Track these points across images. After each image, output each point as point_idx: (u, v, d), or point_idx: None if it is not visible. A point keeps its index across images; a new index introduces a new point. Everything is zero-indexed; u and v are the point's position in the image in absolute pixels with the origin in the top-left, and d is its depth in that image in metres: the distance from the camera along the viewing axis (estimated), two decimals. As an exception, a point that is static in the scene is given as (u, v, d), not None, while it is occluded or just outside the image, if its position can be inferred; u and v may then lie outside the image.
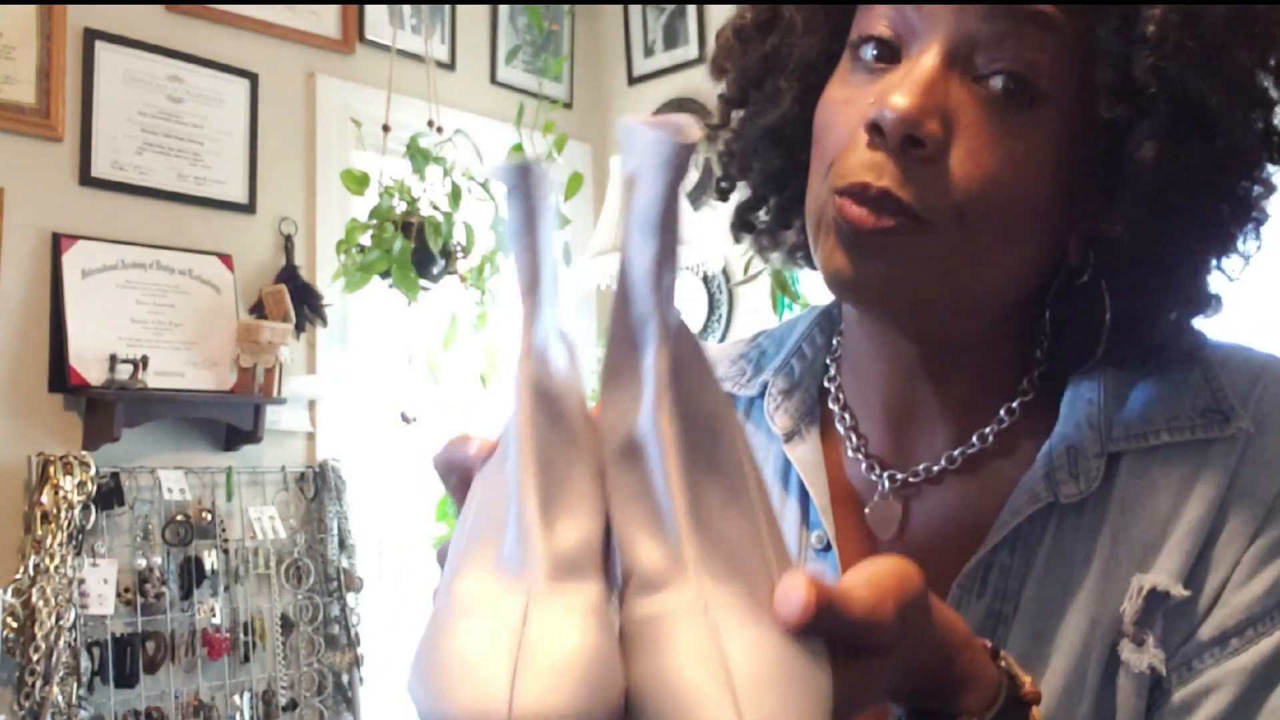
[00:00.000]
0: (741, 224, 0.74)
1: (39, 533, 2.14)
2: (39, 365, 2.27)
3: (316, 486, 2.63)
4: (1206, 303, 0.62)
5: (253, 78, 2.64)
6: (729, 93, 0.69)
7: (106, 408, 2.26)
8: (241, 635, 2.45)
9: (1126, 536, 0.59)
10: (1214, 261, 0.61)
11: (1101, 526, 0.60)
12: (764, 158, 0.69)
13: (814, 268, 0.67)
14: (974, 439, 0.65)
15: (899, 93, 0.55)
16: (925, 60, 0.56)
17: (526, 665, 0.39)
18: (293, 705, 2.52)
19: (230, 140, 2.59)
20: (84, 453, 2.23)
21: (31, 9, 2.30)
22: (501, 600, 0.41)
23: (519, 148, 2.83)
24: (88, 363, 2.28)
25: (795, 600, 0.40)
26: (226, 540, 2.46)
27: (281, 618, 2.53)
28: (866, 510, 0.67)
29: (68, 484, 2.17)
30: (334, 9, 2.82)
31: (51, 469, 2.18)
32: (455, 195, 2.63)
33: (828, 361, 0.73)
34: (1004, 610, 0.61)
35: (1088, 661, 0.59)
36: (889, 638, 0.44)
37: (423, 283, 2.57)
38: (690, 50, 3.24)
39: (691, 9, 3.22)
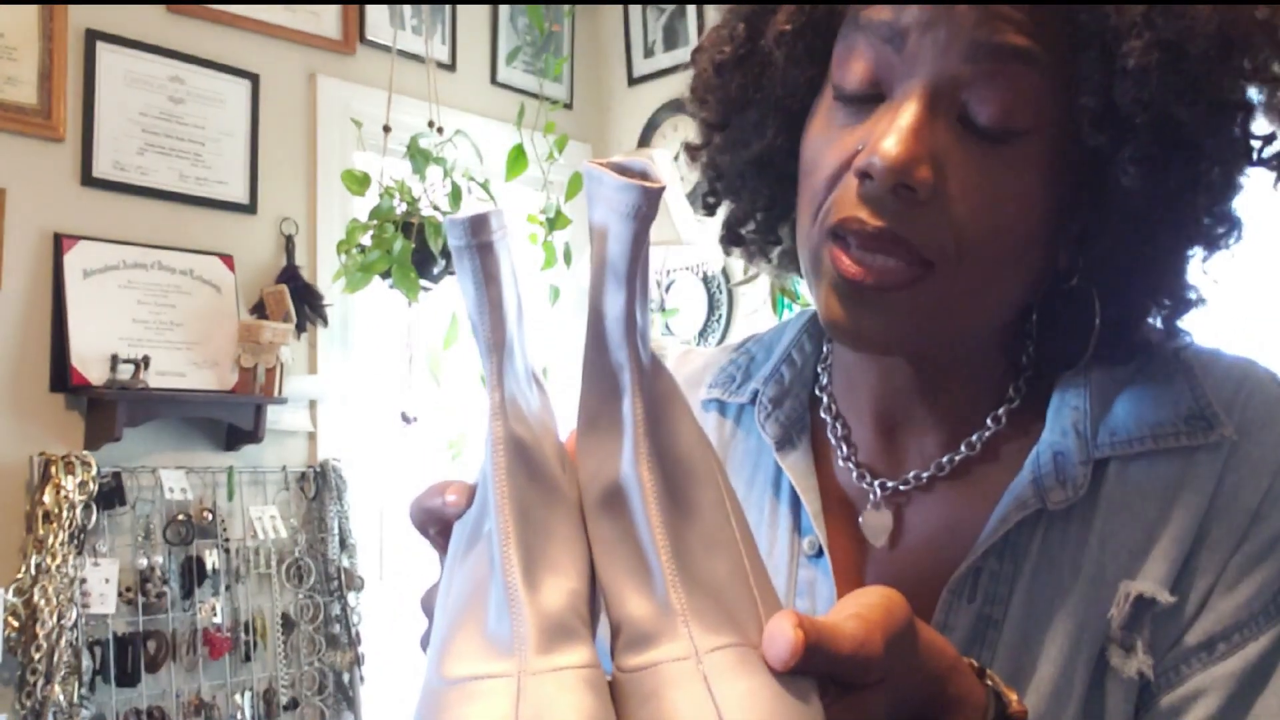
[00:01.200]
0: (731, 238, 0.74)
1: (41, 532, 2.14)
2: (41, 365, 2.28)
3: (317, 486, 2.64)
4: (1191, 301, 0.63)
5: (254, 78, 2.65)
6: (710, 118, 0.69)
7: (108, 407, 2.26)
8: (242, 634, 2.45)
9: (1114, 543, 0.60)
10: (1200, 256, 0.62)
11: (1089, 533, 0.61)
12: (752, 184, 0.69)
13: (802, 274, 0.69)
14: (963, 447, 0.65)
15: (887, 140, 0.55)
16: (910, 105, 0.56)
17: None
18: (294, 704, 2.52)
19: (231, 141, 2.60)
20: (85, 452, 2.24)
21: (33, 10, 2.30)
22: (491, 684, 0.41)
23: (520, 149, 2.84)
24: (89, 362, 2.28)
25: (783, 642, 0.41)
26: (228, 540, 2.47)
27: (282, 617, 2.54)
28: (860, 519, 0.68)
29: (69, 483, 2.18)
30: (335, 10, 2.82)
31: (53, 468, 2.18)
32: (456, 195, 2.64)
33: (819, 370, 0.73)
34: (993, 615, 0.61)
35: (1075, 666, 0.59)
36: (878, 670, 0.44)
37: (423, 283, 2.57)
38: (690, 50, 3.24)
39: (691, 9, 3.23)
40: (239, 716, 2.43)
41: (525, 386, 0.48)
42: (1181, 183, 0.57)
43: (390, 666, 2.79)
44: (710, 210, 0.75)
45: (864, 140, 0.57)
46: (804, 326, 0.76)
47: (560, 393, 3.29)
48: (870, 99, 0.58)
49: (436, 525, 0.51)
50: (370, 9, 2.89)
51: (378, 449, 2.88)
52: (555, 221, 2.92)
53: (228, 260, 2.56)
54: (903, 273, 0.56)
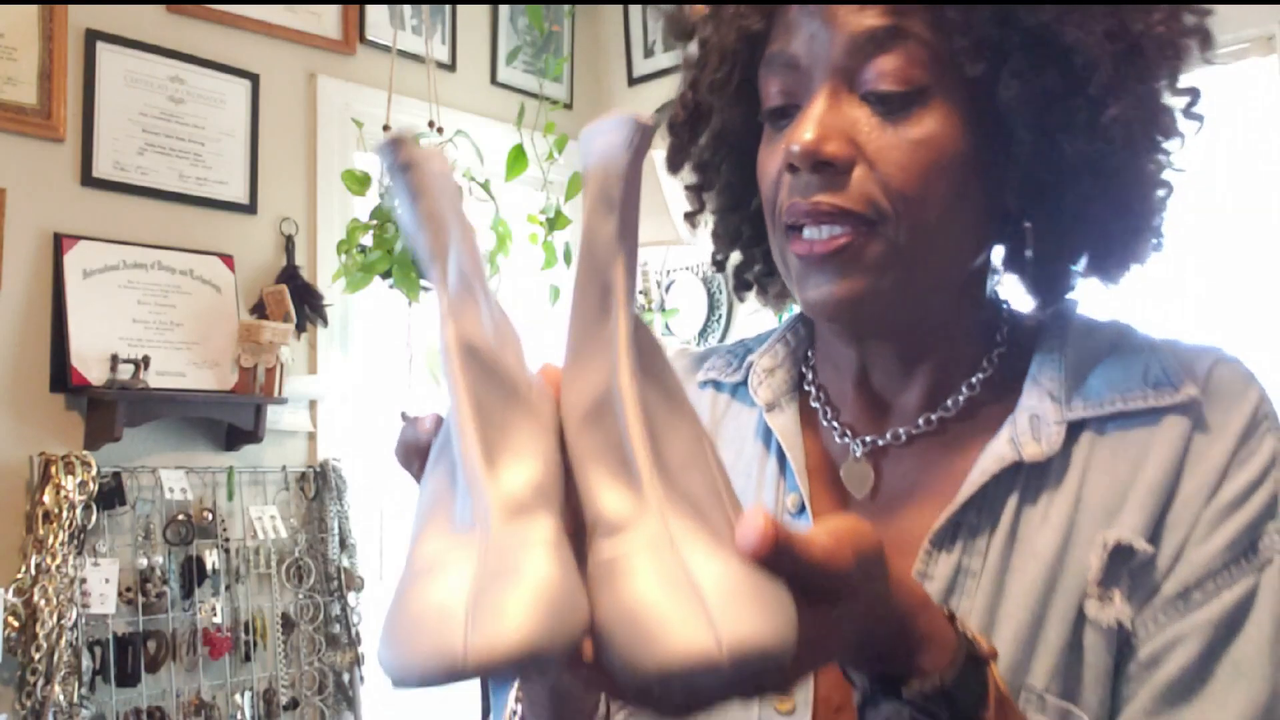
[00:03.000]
0: (740, 284, 0.84)
1: (41, 532, 2.14)
2: (41, 365, 2.28)
3: (317, 486, 2.64)
4: (1119, 238, 0.69)
5: (254, 78, 2.65)
6: (690, 180, 0.80)
7: (108, 407, 2.26)
8: (242, 634, 2.45)
9: (1089, 502, 0.64)
10: (1134, 189, 0.69)
11: (1065, 492, 0.65)
12: (734, 227, 0.79)
13: (777, 307, 0.82)
14: (942, 407, 0.71)
15: (798, 130, 0.64)
16: (815, 101, 0.65)
17: (481, 607, 0.37)
18: (294, 704, 2.52)
19: (231, 141, 2.60)
20: (85, 452, 2.24)
21: (33, 10, 2.30)
22: (455, 554, 0.41)
23: (520, 149, 2.84)
24: (89, 362, 2.28)
25: (753, 530, 0.42)
26: (228, 540, 2.47)
27: (282, 617, 2.54)
28: (841, 471, 0.72)
29: (69, 483, 2.18)
30: (335, 10, 2.82)
31: (53, 468, 2.18)
32: (456, 195, 2.64)
33: (808, 353, 0.80)
34: (971, 566, 0.65)
35: (1051, 618, 0.62)
36: (846, 582, 0.45)
37: (423, 283, 2.57)
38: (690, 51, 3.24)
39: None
40: (239, 716, 2.43)
41: (478, 297, 0.49)
42: (1061, 86, 0.63)
43: (390, 666, 2.80)
44: (720, 267, 0.85)
45: (784, 143, 0.66)
46: (797, 316, 0.82)
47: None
48: (788, 116, 0.68)
49: (416, 457, 0.52)
50: (370, 9, 2.89)
51: (378, 449, 2.87)
52: (555, 221, 2.92)
53: (228, 260, 2.56)
54: (849, 237, 0.64)
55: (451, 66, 3.09)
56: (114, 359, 2.28)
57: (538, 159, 2.92)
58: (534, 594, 0.38)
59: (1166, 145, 0.70)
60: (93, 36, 2.39)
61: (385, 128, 2.65)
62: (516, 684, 0.70)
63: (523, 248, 2.94)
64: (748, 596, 0.40)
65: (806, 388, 0.77)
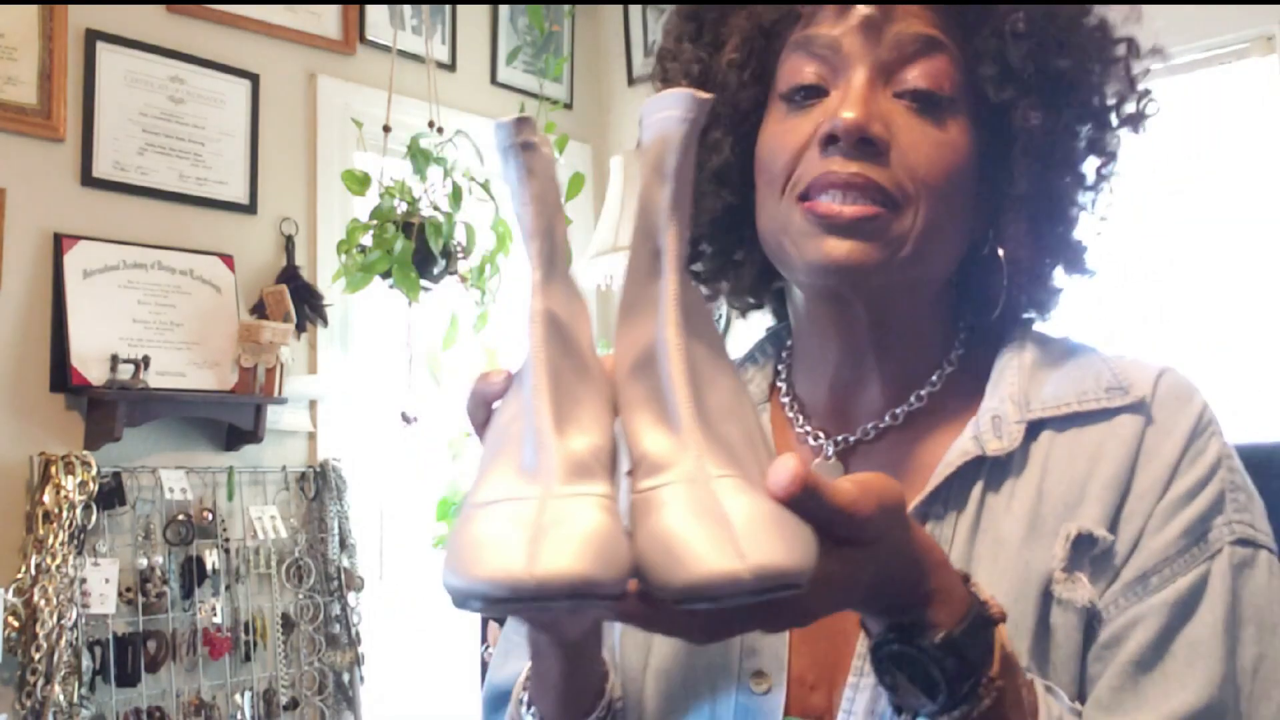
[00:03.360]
0: (690, 258, 0.84)
1: (41, 532, 2.14)
2: (41, 365, 2.28)
3: (317, 486, 2.64)
4: (1081, 259, 0.77)
5: (254, 78, 2.65)
6: None
7: (108, 407, 2.26)
8: (242, 634, 2.45)
9: (1050, 497, 0.69)
10: (1089, 200, 0.77)
11: (1026, 488, 0.70)
12: (710, 200, 0.79)
13: (744, 313, 0.86)
14: (908, 401, 0.76)
15: (845, 107, 0.68)
16: (857, 81, 0.70)
17: (543, 537, 0.42)
18: (294, 704, 2.52)
19: (231, 141, 2.60)
20: (85, 452, 2.24)
21: (33, 10, 2.30)
22: (521, 492, 0.46)
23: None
24: (89, 363, 2.28)
25: (786, 471, 0.46)
26: (228, 540, 2.47)
27: (282, 617, 2.54)
28: (812, 465, 0.76)
29: (69, 483, 2.18)
30: (335, 10, 2.82)
31: (53, 468, 2.18)
32: (456, 196, 2.64)
33: (778, 368, 0.85)
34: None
35: (1016, 600, 0.67)
36: (869, 529, 0.49)
37: (423, 283, 2.57)
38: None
39: (691, 9, 3.23)
40: (239, 716, 2.43)
41: (564, 277, 0.54)
42: (1071, 117, 0.72)
43: (390, 666, 2.79)
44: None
45: (820, 120, 0.70)
46: (763, 341, 0.87)
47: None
48: (815, 96, 0.72)
49: (484, 407, 0.57)
50: (370, 9, 2.89)
51: (378, 449, 2.88)
52: (555, 221, 2.92)
53: (228, 260, 2.56)
54: (874, 211, 0.68)
55: (451, 66, 3.08)
56: (114, 359, 2.28)
57: (538, 159, 2.92)
58: (588, 536, 0.43)
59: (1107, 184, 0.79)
60: (93, 36, 2.39)
61: (385, 128, 2.65)
62: (523, 675, 0.75)
63: (523, 248, 2.93)
64: (773, 527, 0.44)
65: (782, 399, 0.82)
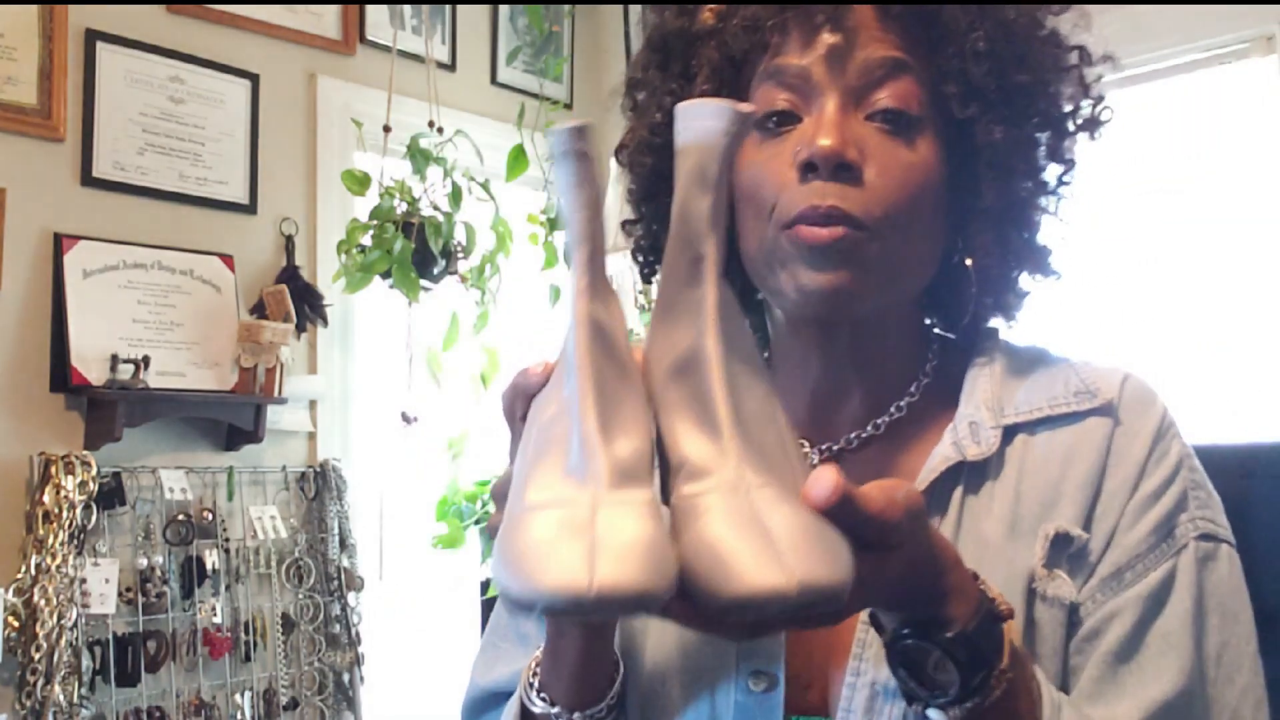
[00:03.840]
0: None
1: (41, 532, 2.14)
2: (41, 365, 2.28)
3: (317, 486, 2.64)
4: (1046, 263, 0.81)
5: (254, 78, 2.65)
6: (638, 189, 0.86)
7: (108, 407, 2.26)
8: (243, 634, 2.45)
9: (1026, 499, 0.73)
10: (1051, 206, 0.80)
11: (1005, 491, 0.73)
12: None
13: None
14: (889, 413, 0.79)
15: (821, 135, 0.71)
16: (829, 108, 0.73)
17: (600, 549, 0.44)
18: (294, 704, 2.52)
19: (231, 141, 2.60)
20: (85, 452, 2.24)
21: (33, 10, 2.30)
22: (572, 497, 0.48)
23: (520, 149, 2.84)
24: (89, 362, 2.28)
25: (826, 482, 0.49)
26: (228, 540, 2.47)
27: (282, 617, 2.54)
28: None
29: (69, 483, 2.18)
30: (335, 10, 2.82)
31: (53, 468, 2.18)
32: (456, 196, 2.64)
33: None
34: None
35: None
36: (897, 535, 0.53)
37: (423, 283, 2.57)
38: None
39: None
40: (239, 716, 2.43)
41: (605, 284, 0.56)
42: (1031, 128, 0.76)
43: (390, 666, 2.79)
44: (647, 279, 0.89)
45: (797, 148, 0.73)
46: None
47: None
48: (789, 122, 0.75)
49: (523, 400, 0.60)
50: (370, 9, 2.89)
51: (378, 449, 2.88)
52: (555, 222, 2.92)
53: (228, 260, 2.56)
54: (850, 237, 0.71)
55: (452, 66, 3.08)
56: (114, 359, 2.28)
57: (538, 159, 2.92)
58: (644, 548, 0.45)
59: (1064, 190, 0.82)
60: (93, 36, 2.39)
61: (385, 128, 2.65)
62: (531, 661, 0.76)
63: (523, 248, 2.94)
64: (815, 541, 0.47)
65: None
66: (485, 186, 2.71)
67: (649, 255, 0.88)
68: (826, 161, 0.70)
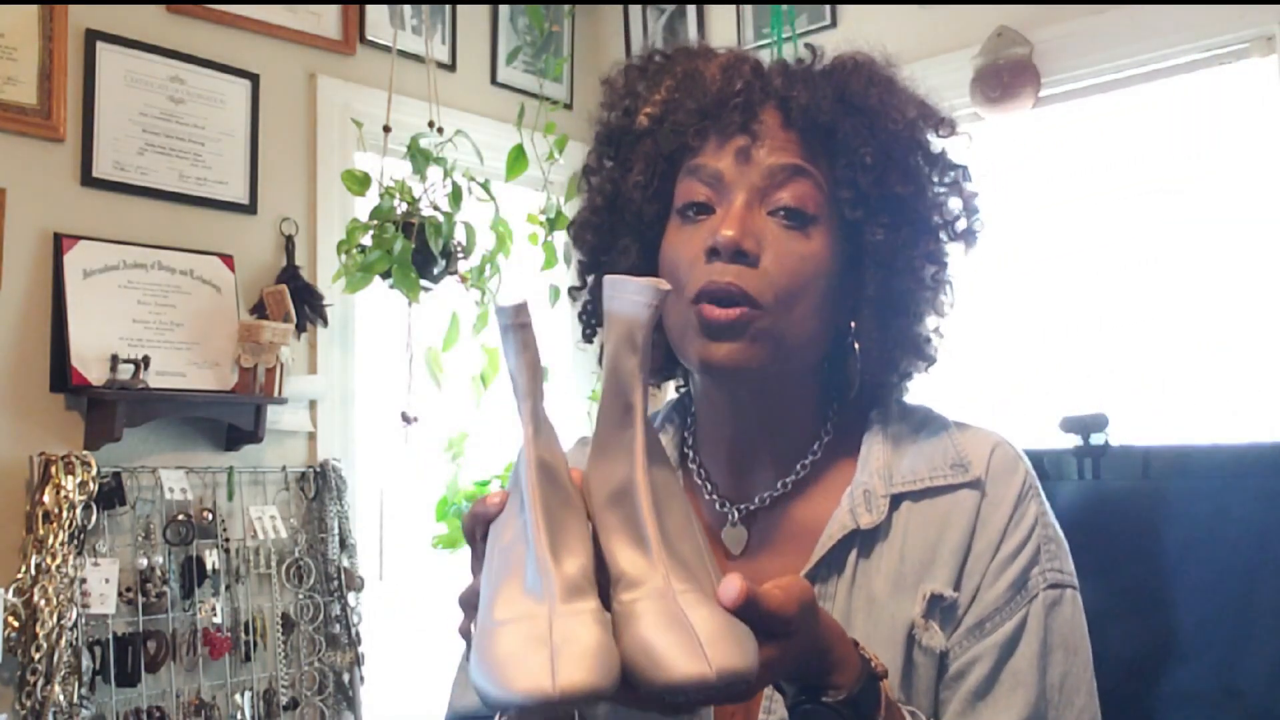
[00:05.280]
0: None
1: (41, 532, 2.14)
2: (40, 365, 2.28)
3: (317, 486, 2.64)
4: (926, 353, 0.93)
5: (254, 78, 2.65)
6: (586, 260, 0.99)
7: (108, 407, 2.26)
8: (243, 634, 2.45)
9: (909, 558, 0.86)
10: (929, 319, 0.92)
11: (891, 551, 0.86)
12: None
13: (658, 384, 1.02)
14: (794, 472, 0.92)
15: (725, 226, 0.84)
16: (737, 204, 0.86)
17: (559, 656, 0.55)
18: (294, 704, 2.52)
19: (231, 141, 2.60)
20: (85, 452, 2.24)
21: (33, 10, 2.30)
22: (532, 612, 0.58)
23: (520, 149, 2.84)
24: (89, 362, 2.28)
25: (733, 588, 0.61)
26: (228, 540, 2.47)
27: (282, 617, 2.54)
28: (721, 535, 0.93)
29: (69, 483, 2.18)
30: (335, 10, 2.82)
31: (53, 468, 2.18)
32: (456, 196, 2.64)
33: (685, 435, 1.00)
34: (824, 606, 0.82)
35: (887, 648, 0.83)
36: (792, 625, 0.65)
37: (424, 283, 2.57)
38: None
39: (691, 9, 3.23)
40: (239, 716, 2.43)
41: (547, 428, 0.68)
42: (909, 233, 0.88)
43: (390, 666, 2.79)
44: (588, 339, 1.02)
45: (707, 236, 0.85)
46: (669, 411, 1.03)
47: (557, 388, 3.22)
48: (705, 212, 0.88)
49: (481, 525, 0.70)
50: (370, 9, 2.89)
51: (378, 449, 2.88)
52: (555, 222, 2.92)
53: (228, 260, 2.56)
54: (745, 315, 0.83)
55: (452, 66, 3.09)
56: (114, 359, 2.28)
57: (538, 159, 2.92)
58: (594, 652, 0.56)
59: (950, 305, 0.94)
60: (93, 36, 2.39)
61: (385, 128, 2.65)
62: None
63: (523, 248, 2.94)
64: (728, 635, 0.58)
65: (690, 465, 0.97)
66: (485, 186, 2.71)
67: (591, 319, 1.01)
68: (726, 248, 0.83)
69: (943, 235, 0.91)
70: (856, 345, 0.90)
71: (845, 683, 0.71)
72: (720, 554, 0.93)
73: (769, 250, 0.84)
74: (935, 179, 0.91)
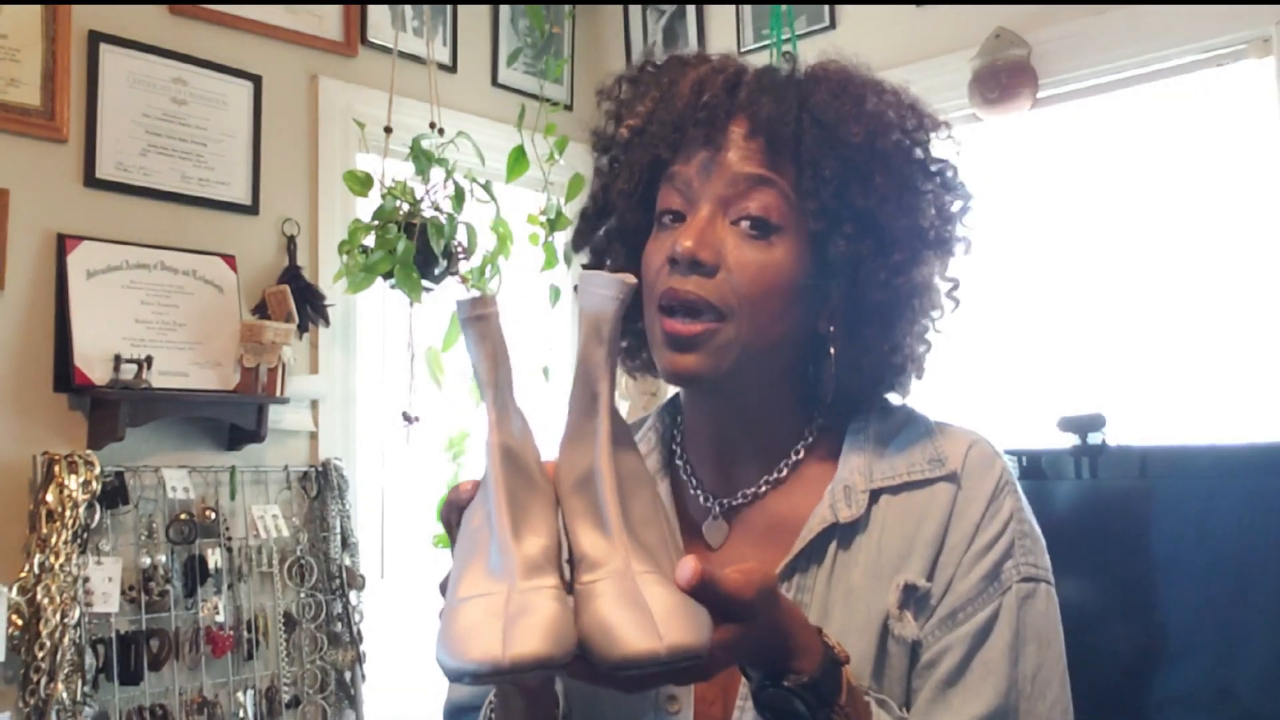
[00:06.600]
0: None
1: (44, 531, 2.15)
2: (44, 365, 2.29)
3: (319, 485, 2.65)
4: (893, 363, 0.93)
5: (256, 80, 2.66)
6: (588, 261, 1.02)
7: (111, 407, 2.27)
8: (245, 633, 2.46)
9: (886, 551, 0.88)
10: (901, 328, 0.92)
11: (869, 544, 0.88)
12: None
13: (655, 374, 1.00)
14: (774, 472, 0.94)
15: (684, 237, 0.87)
16: (700, 214, 0.88)
17: (512, 626, 0.57)
18: (296, 702, 2.53)
19: (234, 142, 2.61)
20: (89, 452, 2.25)
21: (36, 11, 2.32)
22: (491, 589, 0.61)
23: (520, 150, 2.85)
24: (92, 362, 2.29)
25: (688, 569, 0.64)
26: (230, 538, 2.48)
27: (284, 615, 2.55)
28: (703, 526, 0.96)
29: (73, 483, 2.19)
30: (336, 11, 2.83)
31: (56, 468, 2.19)
32: (457, 196, 2.65)
33: (675, 433, 1.03)
34: (804, 600, 0.88)
35: (863, 637, 0.85)
36: (751, 609, 0.67)
37: (425, 283, 2.58)
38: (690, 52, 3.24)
39: (691, 10, 3.24)
40: (241, 714, 2.44)
41: (513, 412, 0.70)
42: (872, 245, 0.88)
43: (392, 665, 2.80)
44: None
45: (672, 242, 0.87)
46: (660, 412, 1.06)
47: (557, 388, 3.24)
48: (679, 219, 0.90)
49: (455, 511, 0.72)
50: (372, 11, 2.90)
51: (379, 449, 2.89)
52: (556, 222, 2.93)
53: (230, 260, 2.57)
54: (707, 326, 0.86)
55: (452, 68, 3.10)
56: (117, 359, 2.29)
57: (538, 160, 2.93)
58: (546, 624, 0.57)
59: (934, 313, 0.95)
60: (96, 38, 2.40)
61: (387, 129, 2.66)
62: (488, 700, 0.90)
63: (523, 248, 2.95)
64: (681, 614, 0.60)
65: (677, 461, 1.00)
66: (486, 187, 2.72)
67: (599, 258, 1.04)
68: (683, 258, 0.86)
69: (915, 245, 0.91)
70: (831, 350, 0.92)
71: (807, 668, 0.73)
72: (701, 547, 0.95)
73: (729, 258, 0.86)
74: (909, 191, 0.90)
